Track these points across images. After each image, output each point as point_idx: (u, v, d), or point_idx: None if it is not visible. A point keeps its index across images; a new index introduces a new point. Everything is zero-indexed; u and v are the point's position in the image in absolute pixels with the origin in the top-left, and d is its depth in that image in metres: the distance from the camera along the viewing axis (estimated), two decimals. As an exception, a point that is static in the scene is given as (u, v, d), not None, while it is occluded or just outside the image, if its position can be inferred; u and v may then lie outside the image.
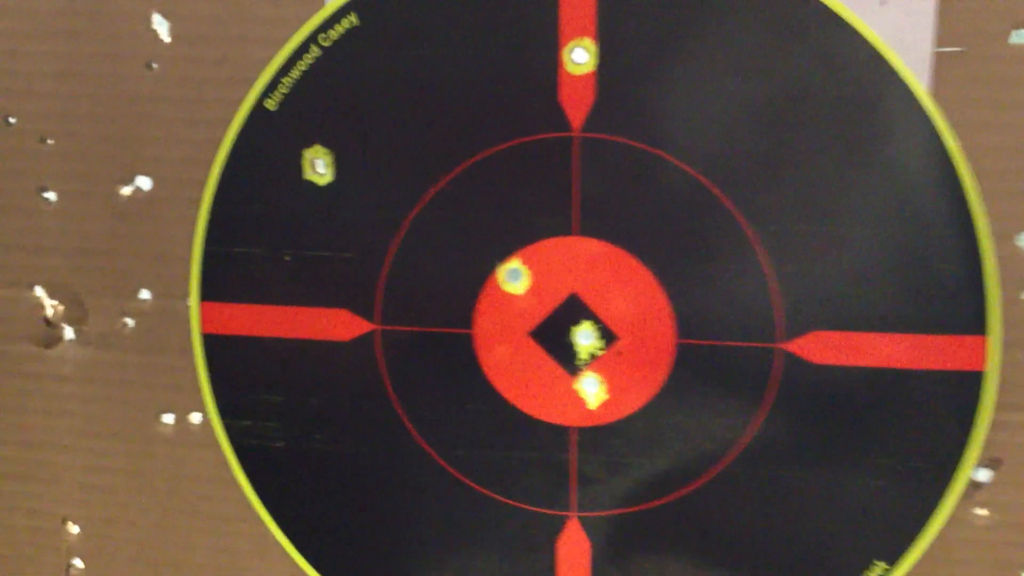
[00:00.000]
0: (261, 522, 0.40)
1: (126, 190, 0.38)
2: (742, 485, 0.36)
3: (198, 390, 0.39)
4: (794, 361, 0.35)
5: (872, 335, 0.34)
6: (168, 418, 0.40)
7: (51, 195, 0.38)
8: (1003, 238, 0.33)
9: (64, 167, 0.38)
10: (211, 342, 0.38)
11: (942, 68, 0.33)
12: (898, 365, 0.34)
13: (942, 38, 0.32)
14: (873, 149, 0.33)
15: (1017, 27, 0.32)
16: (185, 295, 0.38)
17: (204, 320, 0.38)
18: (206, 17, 0.36)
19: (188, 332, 0.39)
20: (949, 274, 0.34)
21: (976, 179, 0.33)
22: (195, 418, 0.39)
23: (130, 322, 0.39)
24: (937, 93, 0.33)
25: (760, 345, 0.35)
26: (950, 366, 0.34)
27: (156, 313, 0.39)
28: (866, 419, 0.35)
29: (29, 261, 0.39)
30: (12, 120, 0.38)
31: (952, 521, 0.36)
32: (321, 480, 0.39)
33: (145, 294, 0.39)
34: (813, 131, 0.33)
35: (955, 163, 0.33)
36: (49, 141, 0.38)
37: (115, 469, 0.40)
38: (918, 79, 0.32)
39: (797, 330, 0.35)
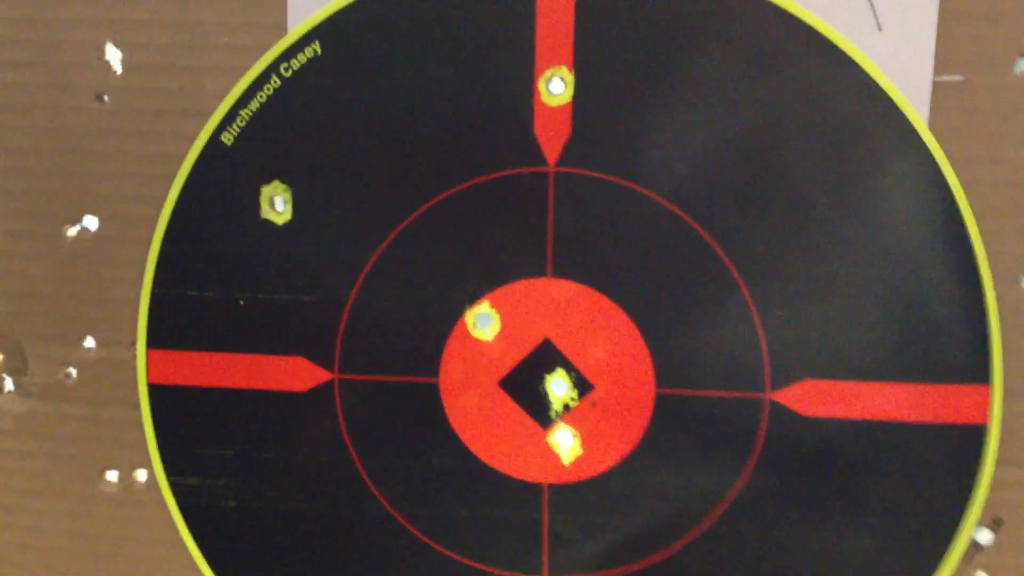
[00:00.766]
0: None
1: (72, 230, 0.37)
2: (726, 547, 0.35)
3: (144, 445, 0.38)
4: (782, 412, 0.34)
5: (866, 384, 0.33)
6: (112, 475, 0.38)
7: None
8: (1005, 279, 0.33)
9: (7, 205, 0.37)
10: (158, 393, 0.37)
11: (941, 98, 0.32)
12: (894, 417, 0.34)
13: (941, 66, 0.32)
14: (867, 184, 0.33)
15: (1021, 54, 0.32)
16: (132, 342, 0.37)
17: (151, 369, 0.37)
18: (161, 46, 0.35)
19: (134, 382, 0.37)
20: (948, 319, 0.33)
21: (977, 217, 0.32)
22: (141, 475, 0.38)
23: (73, 372, 0.38)
24: (935, 124, 0.32)
25: (745, 395, 0.34)
26: (949, 419, 0.33)
27: (101, 362, 0.38)
28: (859, 476, 0.34)
29: None
30: None
31: None
32: (275, 542, 0.37)
33: (90, 342, 0.38)
34: (803, 165, 0.33)
35: (955, 199, 0.32)
36: None
37: (56, 530, 0.39)
38: (916, 109, 0.32)
39: (785, 379, 0.34)
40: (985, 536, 0.34)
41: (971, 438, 0.33)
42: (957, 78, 0.32)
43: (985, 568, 0.35)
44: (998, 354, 0.33)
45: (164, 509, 0.38)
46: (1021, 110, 0.32)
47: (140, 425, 0.37)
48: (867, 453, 0.34)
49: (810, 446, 0.34)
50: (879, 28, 0.32)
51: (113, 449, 0.38)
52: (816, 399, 0.34)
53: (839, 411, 0.34)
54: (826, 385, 0.34)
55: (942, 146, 0.32)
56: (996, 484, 0.34)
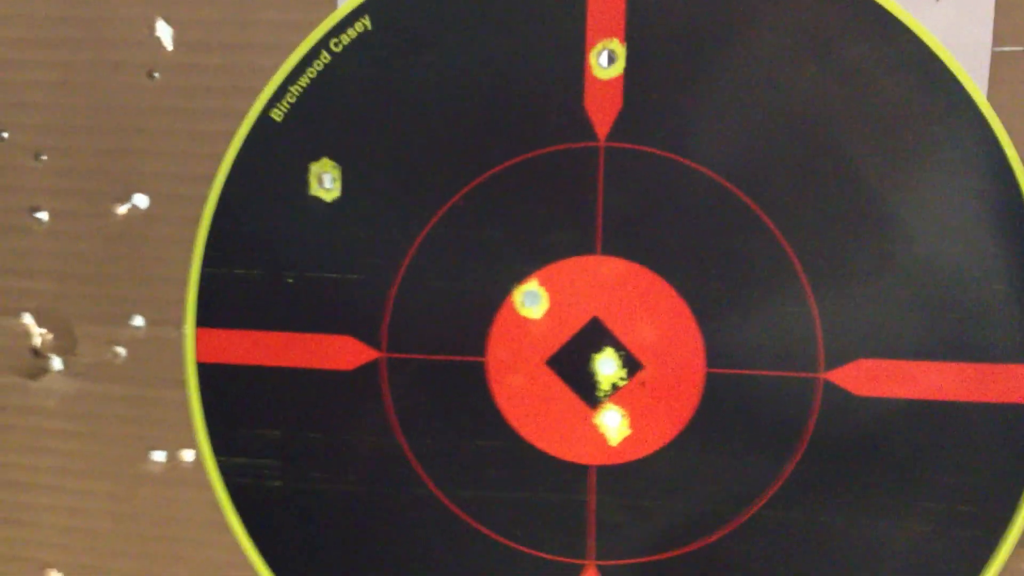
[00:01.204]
0: (254, 570, 0.38)
1: (121, 209, 0.37)
2: (776, 530, 0.35)
3: (191, 425, 0.38)
4: (836, 392, 0.33)
5: (921, 364, 0.33)
6: (158, 456, 0.38)
7: (43, 215, 0.38)
8: None
9: (58, 184, 0.37)
10: (206, 372, 0.37)
11: (1000, 69, 0.32)
12: (949, 397, 0.33)
13: (1000, 37, 0.31)
14: (923, 159, 0.32)
15: None
16: (180, 321, 0.37)
17: (200, 348, 0.37)
18: (211, 23, 0.35)
19: (182, 362, 0.37)
20: (1005, 297, 0.32)
21: None
22: (187, 456, 0.38)
23: (121, 351, 0.38)
24: (995, 97, 0.32)
25: (798, 375, 0.34)
26: (1005, 398, 0.33)
27: (149, 341, 0.38)
28: (913, 458, 0.34)
29: (17, 286, 0.38)
30: (4, 135, 0.37)
31: (1006, 572, 0.34)
32: (320, 522, 0.37)
33: (138, 321, 0.38)
34: (858, 140, 0.32)
35: (1014, 174, 0.32)
36: (43, 157, 0.37)
37: (100, 511, 0.39)
38: (975, 81, 0.31)
39: (839, 359, 0.33)
40: None
41: None
42: (1017, 48, 0.31)
43: (1043, 554, 0.34)
44: None
45: (210, 489, 0.38)
46: None
47: (187, 405, 0.38)
48: (921, 434, 0.33)
49: (864, 427, 0.34)
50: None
51: (160, 429, 0.38)
52: (871, 379, 0.33)
53: (894, 391, 0.33)
54: (881, 365, 0.33)
55: (1001, 119, 0.32)
56: None
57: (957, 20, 0.31)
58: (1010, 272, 0.32)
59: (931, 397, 0.33)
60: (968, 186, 0.32)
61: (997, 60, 0.32)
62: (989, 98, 0.32)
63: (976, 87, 0.32)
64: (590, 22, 0.33)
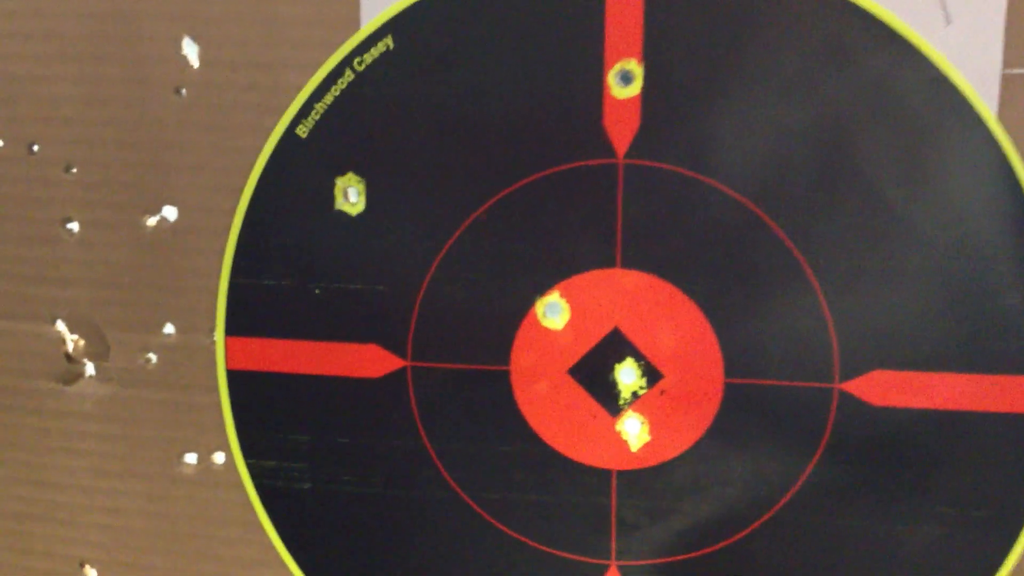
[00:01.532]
0: (286, 567, 0.39)
1: (151, 220, 0.37)
2: (792, 534, 0.35)
3: (222, 429, 0.38)
4: (852, 403, 0.34)
5: (935, 375, 0.33)
6: (191, 458, 0.39)
7: (74, 225, 0.38)
8: None
9: (88, 196, 0.38)
10: (236, 378, 0.38)
11: (1010, 91, 0.32)
12: (963, 407, 0.33)
13: (1010, 59, 0.31)
14: (937, 176, 0.32)
15: None
16: (211, 329, 0.38)
17: (229, 356, 0.38)
18: (237, 41, 0.35)
19: (213, 368, 0.38)
20: (1018, 309, 0.32)
21: None
22: (218, 458, 0.39)
23: (153, 357, 0.38)
24: (1005, 117, 0.32)
25: (815, 385, 0.34)
26: (1019, 408, 0.33)
27: (180, 348, 0.38)
28: (928, 465, 0.34)
29: (50, 294, 0.39)
30: (36, 147, 0.38)
31: (1019, 574, 0.34)
32: (349, 524, 0.38)
33: (169, 328, 0.38)
34: (872, 158, 0.32)
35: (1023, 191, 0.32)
36: (73, 169, 0.37)
37: (135, 511, 0.40)
38: (985, 102, 0.31)
39: (855, 369, 0.34)
40: None
41: None
42: None
43: (1053, 557, 0.34)
44: None
45: (241, 490, 0.39)
46: None
47: (218, 409, 0.38)
48: (936, 443, 0.34)
49: (879, 436, 0.34)
50: (948, 22, 0.31)
51: (191, 432, 0.39)
52: (886, 389, 0.34)
53: (909, 401, 0.33)
54: (896, 375, 0.33)
55: (1011, 138, 0.32)
56: None
57: (968, 43, 0.31)
58: (1020, 285, 0.32)
59: (945, 407, 0.33)
60: (980, 202, 0.32)
61: (1007, 82, 0.32)
62: (999, 118, 0.32)
63: (986, 108, 0.32)
64: (608, 43, 0.33)
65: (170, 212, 0.37)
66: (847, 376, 0.34)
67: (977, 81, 0.31)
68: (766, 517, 0.35)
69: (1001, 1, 0.31)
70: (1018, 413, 0.33)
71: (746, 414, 0.35)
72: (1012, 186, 0.32)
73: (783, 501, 0.35)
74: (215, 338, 0.38)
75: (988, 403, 0.33)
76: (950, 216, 0.32)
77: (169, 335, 0.38)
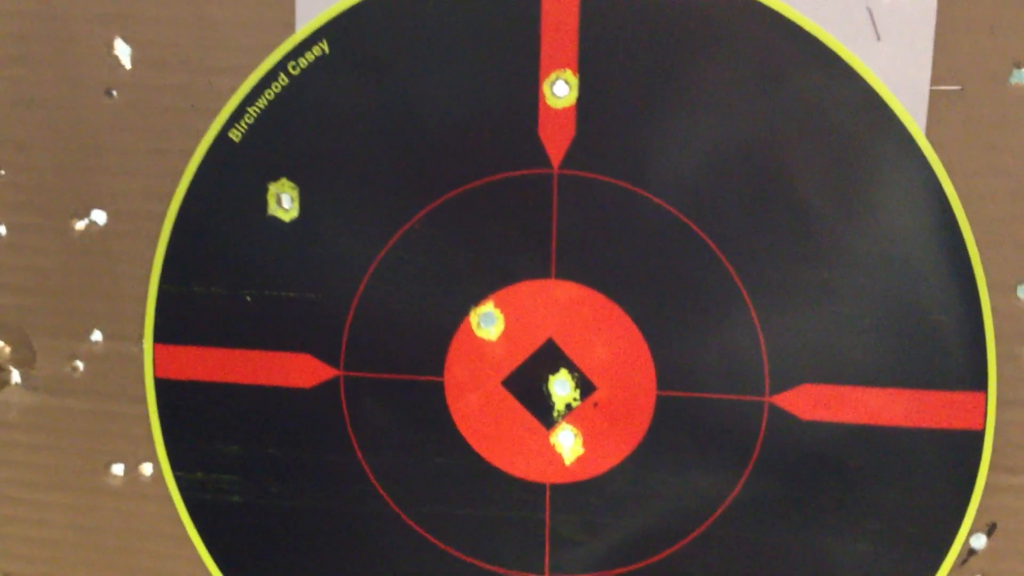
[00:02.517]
0: None
1: (80, 224, 0.37)
2: (724, 548, 0.35)
3: (150, 439, 0.38)
4: (781, 416, 0.34)
5: (864, 390, 0.34)
6: (118, 469, 0.38)
7: (1, 229, 0.37)
8: (1002, 288, 0.33)
9: (15, 199, 0.37)
10: (164, 387, 0.37)
11: (938, 108, 0.32)
12: (891, 422, 0.34)
13: (938, 76, 0.32)
14: (866, 192, 0.33)
15: (1018, 66, 0.32)
16: (139, 337, 0.37)
17: (158, 364, 0.37)
18: (170, 43, 0.35)
19: (141, 377, 0.37)
20: (946, 326, 0.33)
21: (974, 226, 0.33)
22: (146, 469, 0.38)
23: (80, 365, 0.38)
24: (933, 134, 0.32)
25: (745, 398, 0.34)
26: (946, 424, 0.33)
27: (108, 356, 0.38)
28: (857, 480, 0.34)
29: None
30: None
31: None
32: (279, 537, 0.38)
33: (97, 335, 0.38)
34: (803, 172, 0.33)
35: (952, 208, 0.32)
36: (1, 172, 0.37)
37: (61, 523, 0.39)
38: (914, 118, 0.32)
39: (785, 383, 0.34)
40: (980, 541, 0.35)
41: (967, 444, 0.33)
42: (954, 88, 0.32)
43: (981, 572, 0.35)
44: (993, 362, 0.33)
45: (169, 503, 0.38)
46: (1018, 120, 0.32)
47: (146, 419, 0.38)
48: (865, 457, 0.34)
49: (808, 450, 0.34)
50: (878, 38, 0.32)
51: (119, 443, 0.38)
52: (815, 403, 0.34)
53: (837, 415, 0.34)
54: (825, 390, 0.34)
55: (939, 155, 0.32)
56: (991, 489, 0.34)
57: (898, 60, 0.32)
58: (949, 302, 0.33)
59: (873, 422, 0.34)
60: (909, 219, 0.33)
61: (935, 98, 0.32)
62: (927, 135, 0.32)
63: (915, 124, 0.32)
64: (544, 53, 0.33)
65: (99, 216, 0.37)
66: (777, 389, 0.34)
67: (906, 98, 0.32)
68: (699, 531, 0.35)
69: (930, 19, 0.31)
70: (946, 429, 0.33)
71: (678, 427, 0.35)
72: (940, 202, 0.32)
73: (715, 515, 0.35)
74: (143, 346, 0.37)
75: (916, 418, 0.33)
76: (880, 232, 0.33)
77: (97, 342, 0.38)
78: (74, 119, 0.36)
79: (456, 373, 0.36)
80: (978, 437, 0.33)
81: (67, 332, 0.38)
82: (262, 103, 0.35)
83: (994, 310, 0.33)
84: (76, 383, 0.38)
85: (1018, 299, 0.33)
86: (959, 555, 0.34)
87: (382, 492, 0.37)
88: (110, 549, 0.39)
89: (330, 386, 0.36)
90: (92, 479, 0.39)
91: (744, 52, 0.32)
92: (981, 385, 0.33)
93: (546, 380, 0.35)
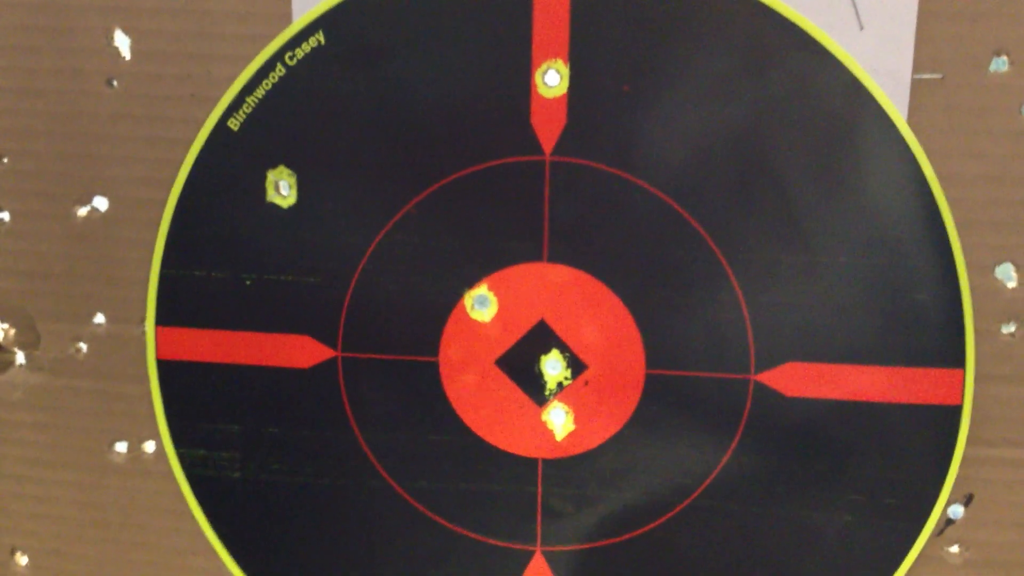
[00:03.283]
0: (216, 555, 0.39)
1: (82, 210, 0.37)
2: (710, 520, 0.36)
3: (153, 418, 0.38)
4: (766, 393, 0.35)
5: (847, 367, 0.34)
6: (121, 447, 0.39)
7: (4, 215, 0.38)
8: (979, 269, 0.33)
9: (19, 186, 0.37)
10: (167, 368, 0.38)
11: (920, 95, 0.32)
12: (873, 398, 0.34)
13: (920, 64, 0.32)
14: (849, 177, 0.33)
15: (997, 54, 0.32)
16: (141, 320, 0.37)
17: (160, 345, 0.37)
18: (169, 34, 0.35)
19: (143, 358, 0.38)
20: (926, 305, 0.33)
21: (953, 209, 0.33)
22: (149, 447, 0.39)
23: (84, 347, 0.38)
24: (914, 120, 0.33)
25: (732, 376, 0.35)
26: (926, 400, 0.34)
27: (110, 338, 0.38)
28: (839, 453, 0.35)
29: None
30: None
31: (925, 559, 0.35)
32: (279, 512, 0.38)
33: (100, 318, 0.38)
34: (788, 157, 0.33)
35: (933, 192, 0.33)
36: (4, 159, 0.37)
37: (66, 499, 0.40)
38: (896, 106, 0.32)
39: (770, 361, 0.35)
40: (958, 512, 0.35)
41: (946, 418, 0.34)
42: (935, 76, 0.32)
43: (957, 542, 0.36)
44: (971, 339, 0.34)
45: (172, 480, 0.39)
46: (997, 107, 0.32)
47: (149, 399, 0.38)
48: (847, 432, 0.34)
49: (792, 425, 0.35)
50: (861, 28, 0.32)
51: (122, 422, 0.39)
52: (799, 380, 0.34)
53: (821, 392, 0.34)
54: (808, 367, 0.34)
55: (920, 141, 0.33)
56: (968, 462, 0.35)
57: (880, 49, 0.32)
58: (929, 282, 0.33)
59: (856, 398, 0.34)
60: (891, 202, 0.33)
61: (917, 86, 0.32)
62: (909, 122, 0.33)
63: (897, 111, 0.32)
64: (535, 43, 0.34)
65: (101, 203, 0.37)
66: (762, 367, 0.35)
67: (889, 85, 0.32)
68: (685, 504, 0.36)
69: (912, 8, 0.32)
70: (926, 404, 0.34)
71: (666, 404, 0.35)
72: (921, 186, 0.33)
73: (701, 488, 0.36)
74: (145, 328, 0.37)
75: (896, 394, 0.34)
76: (862, 215, 0.33)
77: (100, 325, 0.38)
78: (76, 108, 0.36)
79: (451, 353, 0.36)
80: (956, 412, 0.34)
81: (70, 315, 0.38)
82: (260, 92, 0.35)
83: (972, 290, 0.33)
84: (80, 364, 0.38)
85: (995, 279, 0.34)
86: (937, 525, 0.35)
87: (379, 468, 0.37)
88: (114, 525, 0.40)
89: (328, 366, 0.37)
90: (96, 457, 0.39)
91: (731, 41, 0.33)
92: (959, 362, 0.34)
93: (538, 360, 0.36)
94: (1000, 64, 0.32)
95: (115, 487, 0.39)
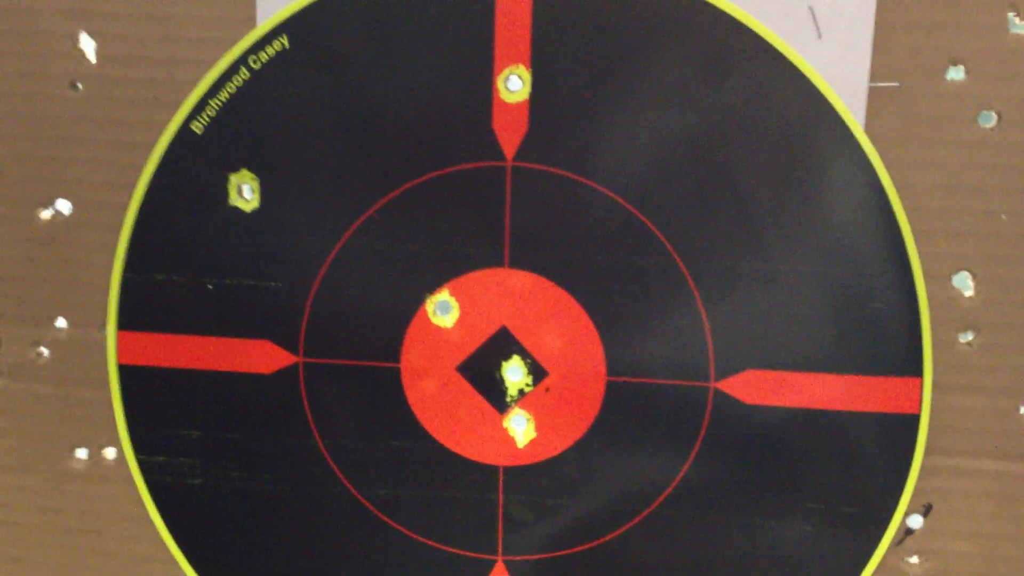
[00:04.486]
0: (176, 563, 0.39)
1: (45, 213, 0.37)
2: (670, 528, 0.36)
3: (113, 424, 0.38)
4: (726, 401, 0.35)
5: (805, 375, 0.34)
6: (81, 453, 0.39)
7: None
8: (937, 278, 0.34)
9: None
10: (127, 373, 0.37)
11: (877, 103, 0.33)
12: (832, 406, 0.34)
13: (877, 73, 0.32)
14: (807, 185, 0.33)
15: (953, 63, 0.32)
16: (102, 324, 0.37)
17: (121, 350, 0.37)
18: (134, 37, 0.35)
19: (104, 363, 0.38)
20: (884, 314, 0.34)
21: (910, 217, 0.33)
22: (109, 453, 0.38)
23: (44, 352, 0.38)
24: (872, 129, 0.33)
25: (691, 384, 0.35)
26: (885, 408, 0.34)
27: (71, 342, 0.38)
28: (798, 462, 0.35)
29: None
30: None
31: (883, 569, 0.36)
32: (239, 519, 0.38)
33: (61, 322, 0.38)
34: (747, 165, 0.33)
35: (890, 201, 0.33)
36: None
37: (25, 506, 0.39)
38: (853, 114, 0.32)
39: (729, 369, 0.35)
40: (917, 521, 0.35)
41: (904, 427, 0.34)
42: (893, 84, 0.33)
43: (916, 552, 0.36)
44: (929, 348, 0.34)
45: (132, 486, 0.38)
46: (953, 116, 0.33)
47: (109, 405, 0.38)
48: (806, 440, 0.35)
49: (752, 433, 0.35)
50: (819, 36, 0.32)
51: (82, 427, 0.38)
52: (758, 388, 0.35)
53: (780, 400, 0.34)
54: (768, 375, 0.34)
55: (878, 150, 0.33)
56: (927, 471, 0.35)
57: (838, 57, 0.32)
58: (887, 291, 0.33)
59: (814, 406, 0.34)
60: (848, 211, 0.33)
61: (874, 94, 0.33)
62: (867, 130, 0.33)
63: (854, 120, 0.33)
64: (497, 49, 0.34)
65: (64, 206, 0.37)
66: (722, 375, 0.35)
67: (846, 94, 0.32)
68: (646, 512, 0.36)
69: (870, 17, 0.32)
70: (883, 413, 0.34)
71: (627, 412, 0.35)
72: (878, 195, 0.33)
73: (662, 497, 0.36)
74: (106, 332, 0.37)
75: (855, 403, 0.34)
76: (820, 223, 0.33)
77: (61, 329, 0.38)
78: (39, 111, 0.36)
79: (412, 359, 0.36)
80: (914, 421, 0.34)
81: (32, 319, 0.38)
82: (224, 96, 0.35)
83: (930, 299, 0.34)
84: (40, 369, 0.38)
85: (953, 288, 0.34)
86: (896, 535, 0.35)
87: (340, 475, 0.37)
88: (73, 531, 0.39)
89: (289, 372, 0.37)
90: (56, 463, 0.39)
91: (690, 49, 0.33)
92: (917, 371, 0.34)
93: (499, 366, 0.36)
94: (956, 73, 0.32)
95: (75, 493, 0.39)
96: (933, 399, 0.34)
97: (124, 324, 0.37)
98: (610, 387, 0.35)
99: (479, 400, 0.36)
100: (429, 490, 0.37)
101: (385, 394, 0.36)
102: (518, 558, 0.37)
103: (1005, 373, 0.34)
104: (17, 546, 0.40)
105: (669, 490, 0.36)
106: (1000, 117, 0.33)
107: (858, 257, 0.33)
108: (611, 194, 0.34)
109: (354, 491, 0.37)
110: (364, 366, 0.36)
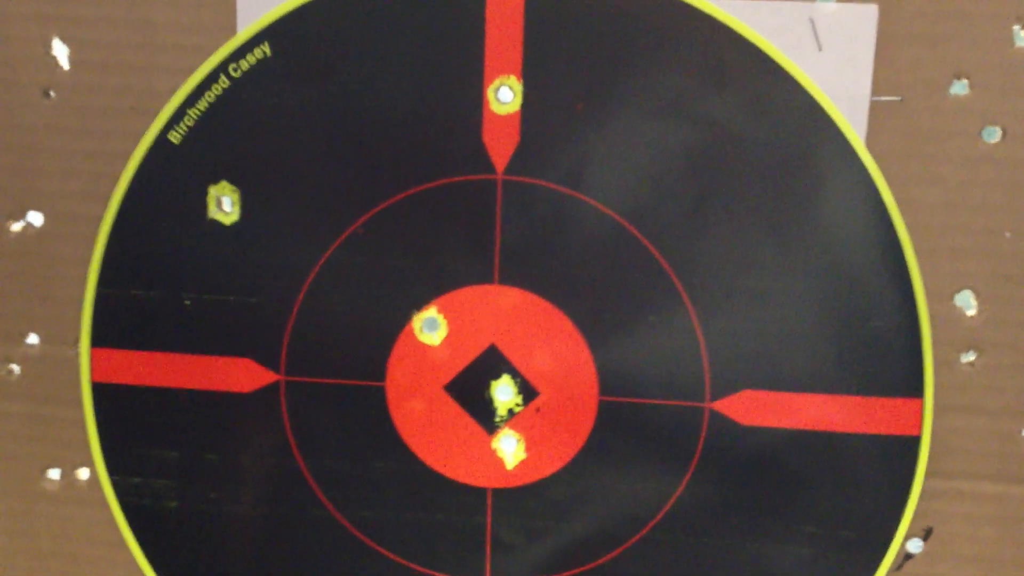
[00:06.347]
0: None
1: (16, 226, 0.37)
2: (664, 552, 0.36)
3: (86, 444, 0.38)
4: (721, 421, 0.34)
5: (804, 396, 0.34)
6: (54, 474, 0.38)
7: None
8: (938, 297, 0.33)
9: None
10: (102, 391, 0.37)
11: (878, 118, 0.33)
12: (830, 428, 0.34)
13: (879, 87, 0.32)
14: (806, 200, 0.33)
15: (957, 77, 0.32)
16: (75, 340, 0.37)
17: (95, 368, 0.37)
18: (109, 44, 0.35)
19: (77, 381, 0.37)
20: (885, 333, 0.33)
21: (912, 235, 0.33)
22: (82, 474, 0.38)
23: (16, 369, 0.38)
24: (873, 144, 0.33)
25: (686, 404, 0.34)
26: (884, 430, 0.34)
27: (44, 359, 0.37)
28: (795, 485, 0.35)
29: None
30: None
31: None
32: (217, 543, 0.37)
33: (33, 339, 0.37)
34: (745, 180, 0.33)
35: (891, 217, 0.33)
36: None
37: None
38: (854, 128, 0.32)
39: (725, 389, 0.34)
40: (917, 545, 0.35)
41: (904, 449, 0.34)
42: (894, 98, 0.32)
43: (916, 576, 0.35)
44: (930, 368, 0.34)
45: (106, 508, 0.38)
46: (955, 131, 0.32)
47: (83, 424, 0.37)
48: (803, 462, 0.34)
49: (748, 454, 0.35)
50: (820, 49, 0.32)
51: (55, 447, 0.38)
52: (754, 409, 0.34)
53: (776, 421, 0.34)
54: (764, 395, 0.34)
55: (879, 165, 0.33)
56: (927, 494, 0.34)
57: (838, 70, 0.32)
58: (887, 310, 0.33)
59: (812, 427, 0.34)
60: (848, 227, 0.33)
61: (875, 109, 0.32)
62: (868, 145, 0.33)
63: (855, 134, 0.32)
64: (488, 59, 0.33)
65: (35, 218, 0.36)
66: (717, 395, 0.34)
67: (847, 108, 0.32)
68: (639, 536, 0.36)
69: (872, 30, 0.32)
70: (883, 434, 0.34)
71: (620, 432, 0.35)
72: (879, 211, 0.33)
73: (656, 519, 0.35)
74: (80, 349, 0.37)
75: (854, 424, 0.34)
76: (819, 240, 0.33)
77: (33, 345, 0.37)
78: (10, 119, 0.36)
79: (398, 378, 0.36)
80: (915, 443, 0.34)
81: (2, 335, 0.37)
82: (203, 105, 0.35)
83: (931, 318, 0.33)
84: (11, 386, 0.38)
85: (955, 307, 0.34)
86: (896, 559, 0.35)
87: (322, 498, 0.37)
88: (45, 554, 0.39)
89: (270, 391, 0.36)
90: (28, 484, 0.38)
91: (688, 61, 0.33)
92: (918, 391, 0.34)
93: (488, 385, 0.36)
94: (960, 88, 0.32)
95: (47, 515, 0.39)
96: (934, 421, 0.34)
97: (98, 340, 0.37)
98: (602, 407, 0.35)
99: (467, 420, 0.36)
100: (415, 513, 0.36)
101: (370, 414, 0.36)
102: (506, 582, 0.36)
103: (1008, 394, 0.34)
104: (-14, 569, 0.39)
105: (663, 513, 0.35)
106: (1004, 132, 0.32)
107: (858, 275, 0.33)
108: (605, 209, 0.34)
109: (337, 514, 0.37)
110: (348, 385, 0.36)
